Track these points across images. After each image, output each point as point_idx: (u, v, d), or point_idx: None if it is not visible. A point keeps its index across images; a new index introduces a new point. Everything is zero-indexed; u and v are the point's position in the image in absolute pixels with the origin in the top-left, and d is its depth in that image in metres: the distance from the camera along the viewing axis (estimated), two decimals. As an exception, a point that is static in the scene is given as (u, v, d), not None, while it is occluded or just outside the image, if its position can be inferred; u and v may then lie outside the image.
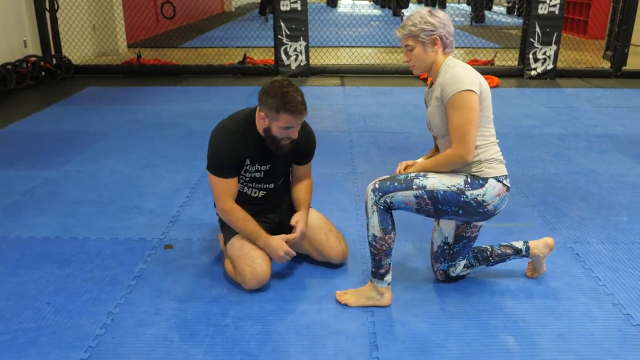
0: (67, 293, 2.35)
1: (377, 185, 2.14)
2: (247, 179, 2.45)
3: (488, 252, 2.38)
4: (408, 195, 2.09)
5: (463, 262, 2.36)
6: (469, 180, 2.09)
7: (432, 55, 2.13)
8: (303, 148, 2.47)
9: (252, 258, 2.31)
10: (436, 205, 2.09)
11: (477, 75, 2.08)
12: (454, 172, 2.12)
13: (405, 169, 2.25)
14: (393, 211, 2.15)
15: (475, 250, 2.38)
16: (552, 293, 2.36)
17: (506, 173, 2.15)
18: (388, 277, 2.24)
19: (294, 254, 2.37)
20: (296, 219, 2.44)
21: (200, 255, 2.67)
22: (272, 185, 2.49)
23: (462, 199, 2.07)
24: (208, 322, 2.16)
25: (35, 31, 6.89)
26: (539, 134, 4.65)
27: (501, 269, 2.53)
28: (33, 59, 6.53)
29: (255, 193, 2.50)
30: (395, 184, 2.11)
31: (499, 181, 2.10)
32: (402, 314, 2.22)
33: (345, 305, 2.25)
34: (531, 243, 2.38)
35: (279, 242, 2.35)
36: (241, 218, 2.37)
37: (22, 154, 4.08)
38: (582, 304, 2.29)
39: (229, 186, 2.36)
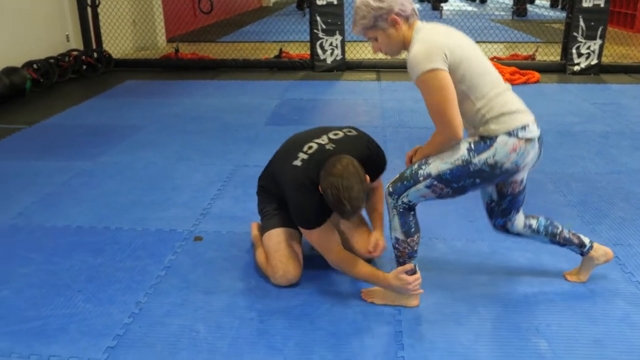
0: (98, 282, 2.39)
1: (391, 189, 2.08)
2: None
3: (558, 230, 2.25)
4: (419, 188, 2.02)
5: (523, 219, 2.23)
6: (472, 146, 1.95)
7: (398, 35, 1.97)
8: (374, 170, 2.32)
9: (287, 257, 2.30)
10: (451, 186, 1.99)
11: (441, 42, 1.86)
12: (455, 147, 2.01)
13: (411, 159, 2.17)
14: (416, 209, 2.09)
15: (548, 223, 2.26)
16: (589, 297, 2.27)
17: (523, 123, 1.93)
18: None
19: (419, 279, 2.18)
20: (375, 239, 2.40)
21: (229, 247, 2.67)
22: None
23: (471, 168, 1.94)
24: (234, 315, 2.16)
25: (78, 26, 7.06)
26: (581, 131, 4.49)
27: (536, 268, 2.45)
28: (75, 53, 6.69)
29: None
30: (405, 182, 2.04)
31: (511, 136, 1.92)
32: (430, 313, 2.17)
33: (372, 303, 2.22)
34: (595, 245, 2.29)
35: (400, 280, 2.14)
36: (357, 262, 2.23)
37: (60, 146, 4.18)
38: (621, 309, 2.19)
39: (333, 231, 2.24)
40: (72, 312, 2.18)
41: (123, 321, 2.12)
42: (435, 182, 2.00)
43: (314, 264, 2.52)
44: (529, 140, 1.93)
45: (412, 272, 2.16)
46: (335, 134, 2.32)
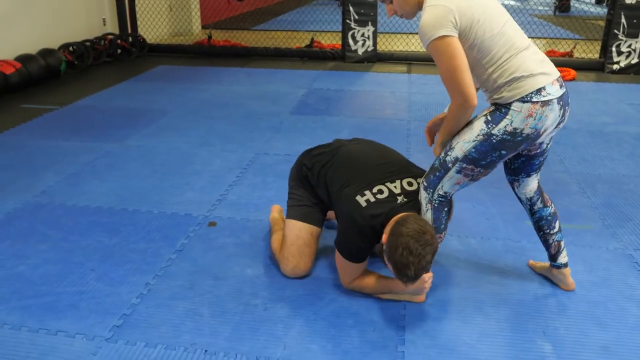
0: (111, 262, 2.44)
1: (425, 183, 2.06)
2: None
3: (549, 230, 2.19)
4: (451, 175, 1.99)
5: (534, 190, 2.15)
6: (489, 117, 1.91)
7: None
8: None
9: (301, 252, 2.30)
10: (480, 163, 1.94)
11: (450, 6, 1.80)
12: (474, 119, 1.97)
13: (430, 133, 2.25)
14: (451, 198, 2.08)
15: (550, 217, 2.18)
16: (602, 302, 2.21)
17: (537, 86, 1.84)
18: None
19: (432, 276, 2.14)
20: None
21: (241, 234, 2.70)
22: None
23: (494, 140, 1.89)
24: (239, 301, 2.18)
25: (114, 10, 7.18)
26: (613, 132, 4.35)
27: (549, 271, 2.40)
28: (110, 37, 6.81)
29: None
30: (436, 173, 2.02)
31: (525, 101, 1.85)
32: (435, 310, 2.14)
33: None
34: (566, 270, 2.25)
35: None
36: (369, 283, 2.20)
37: (89, 127, 4.28)
38: (634, 316, 2.12)
39: (361, 269, 2.20)
40: (83, 290, 2.23)
41: (131, 301, 2.17)
42: (465, 165, 1.96)
43: (323, 255, 2.52)
44: (545, 102, 1.85)
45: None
46: (410, 184, 2.17)
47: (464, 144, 1.95)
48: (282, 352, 1.91)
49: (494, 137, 1.89)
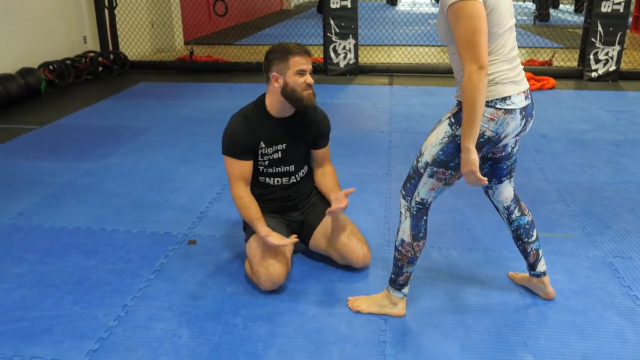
0: (88, 283, 2.40)
1: (403, 192, 2.06)
2: (267, 162, 2.45)
3: (527, 239, 2.19)
4: (425, 181, 1.98)
5: (510, 198, 2.16)
6: (452, 119, 1.91)
7: None
8: (318, 129, 2.51)
9: (267, 259, 2.28)
10: (450, 165, 1.93)
11: None
12: (439, 123, 1.96)
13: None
14: (429, 206, 2.05)
15: (528, 226, 2.18)
16: (583, 310, 2.21)
17: (504, 95, 1.85)
18: (405, 290, 2.16)
19: (287, 242, 2.32)
20: (335, 195, 2.45)
21: (221, 252, 2.67)
22: (292, 168, 2.49)
23: (458, 141, 1.88)
24: (218, 320, 2.15)
25: (95, 28, 7.16)
26: (592, 139, 4.39)
27: (529, 281, 2.39)
28: (91, 54, 6.78)
29: (277, 182, 2.49)
30: (412, 180, 2.02)
31: (489, 106, 1.84)
32: (416, 324, 2.13)
33: (358, 312, 2.19)
34: (545, 279, 2.26)
35: (278, 239, 2.30)
36: (245, 204, 2.38)
37: (69, 146, 4.24)
38: (615, 324, 2.13)
39: (242, 168, 2.40)
40: (59, 314, 2.19)
41: (108, 324, 2.13)
42: (435, 168, 1.95)
43: (301, 271, 2.50)
44: (508, 111, 1.86)
45: (406, 282, 2.13)
46: None
47: (431, 147, 1.95)
48: (262, 372, 1.89)
49: (458, 138, 1.89)
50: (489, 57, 1.84)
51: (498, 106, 1.85)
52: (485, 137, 1.88)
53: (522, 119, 1.90)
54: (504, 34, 1.85)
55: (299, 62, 2.29)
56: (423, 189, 2.00)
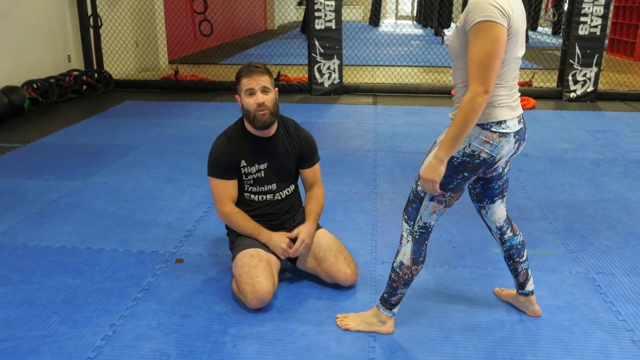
0: (75, 303, 2.38)
1: (405, 216, 2.08)
2: (251, 181, 2.50)
3: (518, 259, 2.23)
4: (426, 204, 2.00)
5: (503, 218, 2.19)
6: None
7: None
8: (300, 148, 2.56)
9: (253, 276, 2.29)
10: (448, 187, 1.95)
11: (509, 7, 1.78)
12: (434, 145, 1.97)
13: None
14: (432, 230, 2.07)
15: (520, 246, 2.22)
16: (567, 326, 2.25)
17: (500, 119, 1.89)
18: (396, 309, 2.18)
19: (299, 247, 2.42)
20: (298, 230, 2.48)
21: (209, 270, 2.67)
22: (274, 187, 2.52)
23: (455, 162, 1.92)
24: (207, 339, 2.15)
25: (79, 47, 7.16)
26: (572, 158, 4.49)
27: (515, 298, 2.43)
28: (75, 73, 6.77)
29: (262, 198, 2.53)
30: (413, 205, 2.03)
31: (484, 128, 1.88)
32: (405, 340, 2.15)
33: (347, 329, 2.20)
34: (532, 298, 2.31)
35: (280, 237, 2.44)
36: (242, 218, 2.47)
37: (53, 165, 4.21)
38: (598, 339, 2.17)
39: (227, 188, 2.47)
40: (45, 334, 2.17)
41: (95, 344, 2.11)
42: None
43: (289, 290, 2.51)
44: (503, 134, 1.90)
45: (397, 302, 2.15)
46: None
47: None
48: (252, 391, 1.88)
49: (455, 159, 1.92)
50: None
51: (493, 129, 1.89)
52: (481, 158, 1.92)
53: (515, 142, 1.95)
54: (512, 62, 1.89)
55: (247, 83, 2.37)
56: (425, 213, 2.03)
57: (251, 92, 2.36)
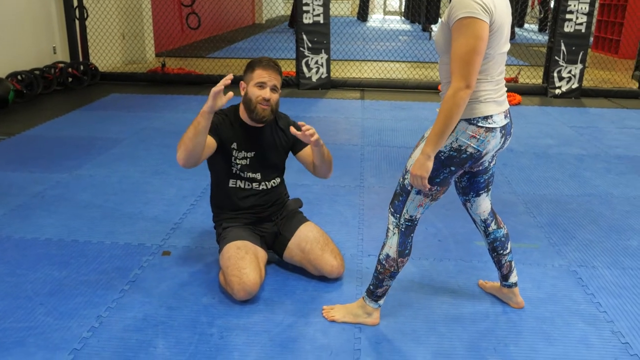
0: (61, 295, 2.37)
1: (392, 209, 2.09)
2: (238, 167, 2.51)
3: (502, 251, 2.26)
4: (413, 198, 2.02)
5: (487, 211, 2.22)
6: None
7: None
8: (287, 137, 2.59)
9: (239, 268, 2.30)
10: (435, 181, 1.97)
11: (491, 6, 1.79)
12: (422, 139, 2.00)
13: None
14: (418, 223, 2.09)
15: (503, 239, 2.25)
16: (549, 317, 2.29)
17: (486, 114, 1.91)
18: (381, 301, 2.20)
19: (222, 87, 2.19)
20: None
21: (196, 262, 2.68)
22: (258, 176, 2.54)
23: (442, 157, 1.94)
24: (194, 330, 2.15)
25: (65, 38, 7.09)
26: (557, 154, 4.55)
27: (499, 290, 2.47)
28: (61, 65, 6.70)
29: (248, 185, 2.55)
30: (400, 198, 2.05)
31: (471, 123, 1.90)
32: (390, 331, 2.18)
33: (333, 321, 2.22)
34: (516, 289, 2.34)
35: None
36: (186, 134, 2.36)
37: (38, 157, 4.18)
38: (580, 330, 2.21)
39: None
40: (31, 326, 2.16)
41: (82, 335, 2.11)
42: None
43: (276, 282, 2.52)
44: (489, 129, 1.93)
45: (383, 294, 2.17)
46: None
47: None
48: (238, 381, 1.90)
49: (442, 154, 1.95)
50: (478, 75, 1.88)
51: (480, 124, 1.91)
52: (468, 153, 1.94)
53: (502, 137, 1.98)
54: (497, 57, 1.91)
55: (260, 75, 2.40)
56: (411, 206, 2.05)
57: (261, 85, 2.39)
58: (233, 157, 2.51)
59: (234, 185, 2.54)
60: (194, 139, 2.29)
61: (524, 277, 2.57)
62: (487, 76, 1.91)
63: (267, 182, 2.57)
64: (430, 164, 1.87)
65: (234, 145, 2.49)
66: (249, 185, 2.55)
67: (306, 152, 2.61)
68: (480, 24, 1.77)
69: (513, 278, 2.32)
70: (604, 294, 2.47)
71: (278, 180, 2.63)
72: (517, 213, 3.34)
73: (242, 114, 2.50)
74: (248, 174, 2.53)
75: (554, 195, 3.65)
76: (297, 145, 2.61)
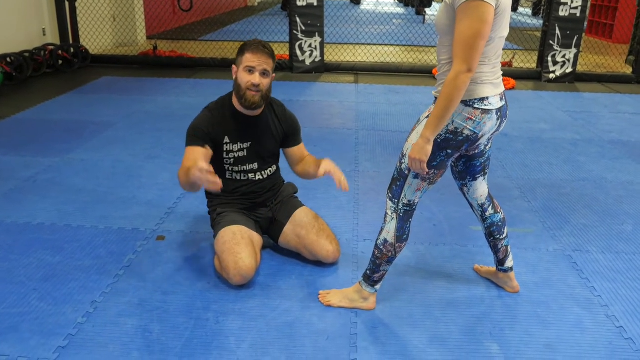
0: (55, 280, 2.36)
1: (390, 194, 2.08)
2: (232, 160, 2.47)
3: (499, 236, 2.26)
4: (410, 182, 2.01)
5: (484, 196, 2.22)
6: None
7: None
8: (283, 128, 2.56)
9: (235, 253, 2.28)
10: (432, 164, 1.96)
11: None
12: (418, 123, 1.99)
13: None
14: (416, 207, 2.08)
15: (500, 223, 2.25)
16: (544, 302, 2.30)
17: (482, 95, 1.89)
18: (378, 286, 2.20)
19: (206, 167, 2.03)
20: (324, 168, 2.40)
21: (190, 247, 2.66)
22: (255, 166, 2.51)
23: (439, 140, 1.92)
24: (190, 316, 2.15)
25: (55, 20, 6.97)
26: (551, 139, 4.55)
27: (494, 274, 2.47)
28: (51, 47, 6.60)
29: (244, 177, 2.52)
30: (397, 182, 2.04)
31: (467, 105, 1.89)
32: (386, 316, 2.18)
33: (329, 306, 2.22)
34: (511, 274, 2.35)
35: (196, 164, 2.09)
36: (181, 171, 2.28)
37: (29, 141, 4.12)
38: (574, 314, 2.22)
39: (193, 153, 2.34)
40: (25, 311, 2.14)
41: (77, 320, 2.10)
42: None
43: (271, 267, 2.52)
44: (485, 111, 1.92)
45: (380, 279, 2.17)
46: None
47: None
48: (235, 366, 1.89)
49: (438, 136, 1.93)
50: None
51: (476, 106, 1.90)
52: (464, 135, 1.92)
53: (497, 119, 1.96)
54: (497, 41, 1.89)
55: (248, 59, 2.33)
56: (409, 191, 2.03)
57: (250, 70, 2.32)
58: (225, 152, 2.46)
59: (230, 177, 2.52)
60: (187, 185, 2.28)
61: (519, 262, 2.57)
62: (485, 59, 1.89)
63: (263, 171, 2.55)
64: (429, 148, 1.85)
65: (226, 140, 2.44)
66: (244, 176, 2.52)
67: (294, 150, 2.60)
68: (486, 7, 1.75)
69: (509, 263, 2.32)
70: (598, 279, 2.48)
71: (274, 168, 2.61)
72: (512, 198, 3.34)
73: (235, 101, 2.44)
74: (244, 166, 2.50)
75: (549, 179, 3.66)
76: (288, 140, 2.59)
